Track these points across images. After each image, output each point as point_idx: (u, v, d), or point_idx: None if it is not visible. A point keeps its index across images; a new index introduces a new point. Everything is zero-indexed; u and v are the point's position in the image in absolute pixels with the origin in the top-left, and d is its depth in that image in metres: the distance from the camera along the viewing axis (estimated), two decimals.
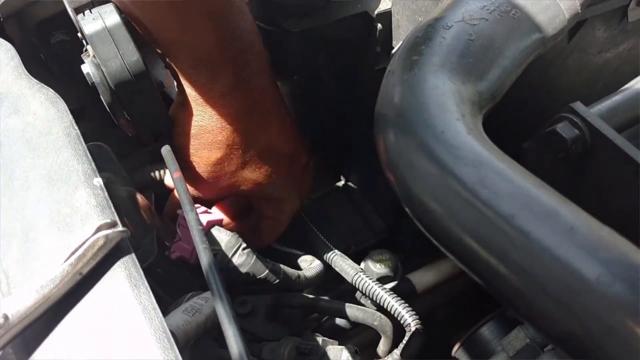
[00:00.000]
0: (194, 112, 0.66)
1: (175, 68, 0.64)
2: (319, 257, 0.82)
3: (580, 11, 0.56)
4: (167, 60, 0.64)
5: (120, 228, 0.46)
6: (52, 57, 0.79)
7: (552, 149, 0.50)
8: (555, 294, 0.33)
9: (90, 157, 0.54)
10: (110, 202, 0.50)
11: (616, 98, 0.52)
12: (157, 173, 0.88)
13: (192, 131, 0.67)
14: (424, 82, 0.45)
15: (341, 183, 0.99)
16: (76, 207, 0.49)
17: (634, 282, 0.31)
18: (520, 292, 0.35)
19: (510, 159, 0.40)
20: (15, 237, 0.48)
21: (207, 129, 0.67)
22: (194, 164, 0.70)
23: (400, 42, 0.74)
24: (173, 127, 0.69)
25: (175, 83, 0.69)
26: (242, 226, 0.78)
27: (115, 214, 0.49)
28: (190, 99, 0.66)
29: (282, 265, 0.69)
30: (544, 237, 0.34)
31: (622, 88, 0.56)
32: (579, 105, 0.48)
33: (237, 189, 0.73)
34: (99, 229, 0.44)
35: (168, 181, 0.82)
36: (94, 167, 0.53)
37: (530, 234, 0.34)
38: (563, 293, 0.32)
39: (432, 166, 0.39)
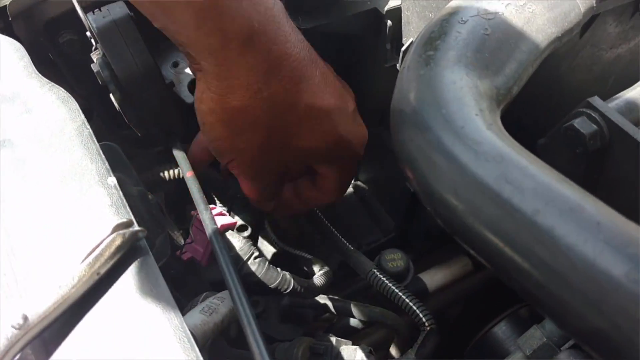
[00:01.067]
0: (220, 93, 0.58)
1: (183, 41, 0.56)
2: (334, 252, 0.81)
3: (595, 5, 0.55)
4: (180, 45, 0.57)
5: (136, 227, 0.45)
6: (60, 56, 0.79)
7: (570, 144, 0.49)
8: (582, 291, 0.32)
9: (103, 156, 0.54)
10: (125, 201, 0.50)
11: (633, 93, 0.51)
12: (166, 173, 0.88)
13: (225, 117, 0.59)
14: (441, 77, 0.45)
15: (351, 182, 0.99)
16: (91, 207, 0.49)
17: None
18: (545, 288, 0.34)
19: (531, 154, 0.39)
20: (30, 237, 0.48)
21: (240, 108, 0.58)
22: (241, 153, 0.62)
23: (411, 39, 0.74)
24: (202, 123, 0.61)
25: (193, 76, 0.64)
26: (302, 187, 0.69)
27: (131, 214, 0.49)
28: (210, 79, 0.58)
29: (292, 275, 0.68)
30: (570, 233, 0.33)
31: (638, 83, 0.55)
32: (596, 100, 0.48)
33: (292, 164, 0.64)
34: (115, 229, 0.44)
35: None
36: (108, 167, 0.53)
37: (555, 230, 0.34)
38: (590, 290, 0.32)
39: (453, 162, 0.39)
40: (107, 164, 0.53)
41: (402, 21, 0.74)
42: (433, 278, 0.85)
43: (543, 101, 0.73)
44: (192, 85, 0.79)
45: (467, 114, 0.41)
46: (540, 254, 0.34)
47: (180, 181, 0.88)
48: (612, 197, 0.49)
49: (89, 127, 0.57)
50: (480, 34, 0.48)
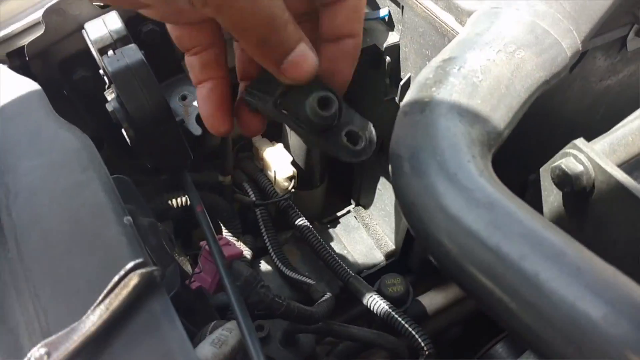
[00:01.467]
0: None
1: None
2: (335, 278, 0.84)
3: (581, 49, 0.58)
4: None
5: (151, 267, 0.48)
6: (74, 92, 0.82)
7: (558, 183, 0.52)
8: (564, 332, 0.35)
9: (119, 195, 0.57)
10: (140, 240, 0.53)
11: (617, 134, 0.54)
12: (174, 201, 0.91)
13: None
14: (436, 124, 0.48)
15: (351, 207, 1.02)
16: (108, 246, 0.52)
17: (639, 321, 0.34)
18: (530, 328, 0.37)
19: (519, 200, 0.42)
20: (50, 276, 0.51)
21: None
22: None
23: (409, 74, 0.78)
24: None
25: None
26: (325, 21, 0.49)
27: (146, 252, 0.52)
28: None
29: (295, 304, 0.71)
30: (553, 278, 0.36)
31: (623, 122, 0.58)
32: (582, 142, 0.51)
33: None
34: (132, 269, 0.47)
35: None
36: (123, 205, 0.56)
37: (539, 275, 0.37)
38: (571, 331, 0.35)
39: (447, 208, 0.42)
40: (122, 202, 0.56)
41: (400, 57, 0.78)
42: (432, 301, 0.88)
43: (536, 132, 0.76)
44: (199, 119, 0.83)
45: (460, 161, 0.44)
46: (526, 296, 0.37)
47: (187, 208, 0.92)
48: (598, 234, 0.52)
49: (104, 166, 0.60)
50: (472, 81, 0.51)
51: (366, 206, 1.01)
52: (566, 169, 0.51)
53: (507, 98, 0.52)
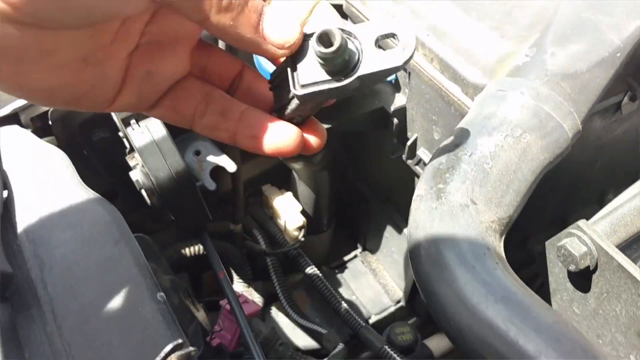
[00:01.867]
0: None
1: None
2: (345, 326, 0.88)
3: (581, 129, 0.63)
4: None
5: (189, 348, 0.52)
6: (93, 151, 0.85)
7: (563, 261, 0.56)
8: None
9: (151, 270, 0.60)
10: (174, 316, 0.56)
11: (617, 214, 0.58)
12: (187, 250, 0.94)
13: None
14: (451, 214, 0.52)
15: (358, 251, 1.06)
16: (145, 324, 0.55)
17: None
18: None
19: (533, 293, 0.46)
20: (90, 352, 0.54)
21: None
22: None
23: (415, 135, 0.82)
24: None
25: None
26: None
27: (181, 329, 0.55)
28: None
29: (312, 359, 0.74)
30: None
31: (621, 200, 0.63)
32: (584, 224, 0.55)
33: None
34: (171, 351, 0.50)
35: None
36: (156, 281, 0.59)
37: None
38: None
39: (467, 301, 0.46)
40: (154, 277, 0.59)
41: (407, 119, 0.82)
42: (439, 344, 0.92)
43: (538, 189, 0.80)
44: (214, 172, 0.86)
45: (477, 253, 0.48)
46: None
47: (200, 256, 0.95)
48: (601, 306, 0.56)
49: (135, 240, 0.63)
50: (483, 168, 0.55)
51: (373, 251, 1.05)
52: (571, 249, 0.55)
53: (515, 183, 0.56)
